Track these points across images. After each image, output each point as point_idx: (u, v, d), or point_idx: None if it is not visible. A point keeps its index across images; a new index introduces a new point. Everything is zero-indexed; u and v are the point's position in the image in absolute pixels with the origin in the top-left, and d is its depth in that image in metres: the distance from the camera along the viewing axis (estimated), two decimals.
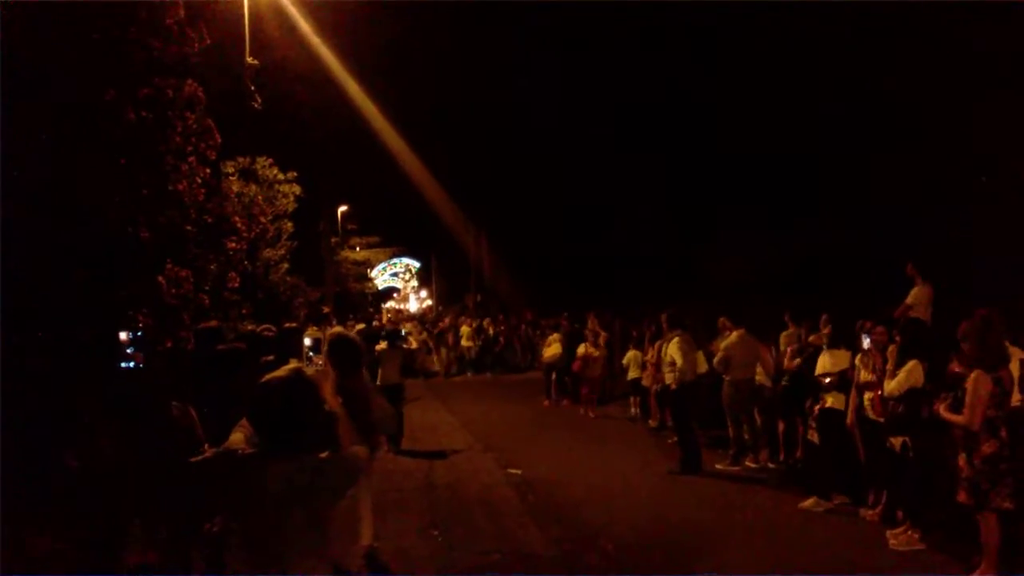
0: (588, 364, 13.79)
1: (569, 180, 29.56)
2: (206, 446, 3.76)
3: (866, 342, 6.95)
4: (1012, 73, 14.02)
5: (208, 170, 7.52)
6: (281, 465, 2.65)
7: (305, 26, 16.08)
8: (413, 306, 50.05)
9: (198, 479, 3.68)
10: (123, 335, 3.50)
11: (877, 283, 12.40)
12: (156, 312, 6.28)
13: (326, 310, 21.63)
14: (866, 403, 6.87)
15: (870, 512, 6.87)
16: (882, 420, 6.60)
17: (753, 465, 9.16)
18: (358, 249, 35.94)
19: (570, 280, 27.76)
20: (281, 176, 16.16)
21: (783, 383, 9.08)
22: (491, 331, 22.25)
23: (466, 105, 32.86)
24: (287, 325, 7.68)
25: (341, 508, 2.92)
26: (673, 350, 9.35)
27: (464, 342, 21.83)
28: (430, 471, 9.50)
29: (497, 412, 14.43)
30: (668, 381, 9.63)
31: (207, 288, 7.56)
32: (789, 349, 8.98)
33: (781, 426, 9.17)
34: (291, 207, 16.46)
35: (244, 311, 11.44)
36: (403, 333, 14.50)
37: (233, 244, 8.22)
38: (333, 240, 29.76)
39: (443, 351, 22.10)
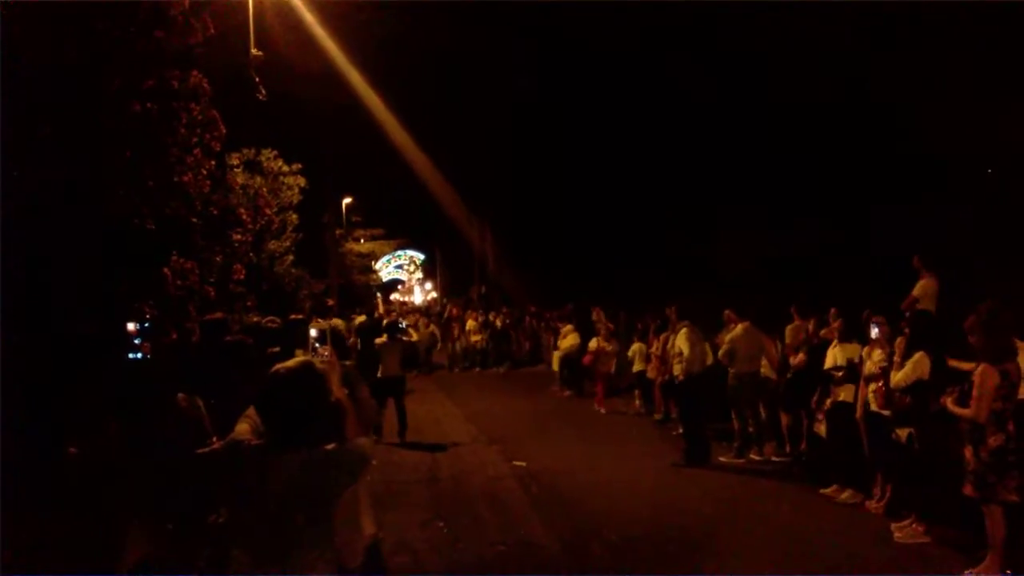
0: (600, 359, 13.60)
1: (573, 172, 29.51)
2: (214, 438, 3.77)
3: (874, 331, 6.94)
4: (1016, 64, 13.96)
5: (213, 162, 7.52)
6: (288, 456, 2.65)
7: (309, 17, 16.02)
8: (418, 298, 50.04)
9: (205, 471, 3.69)
10: (131, 326, 3.51)
11: (882, 276, 12.38)
12: (162, 304, 6.29)
13: (330, 303, 21.64)
14: (870, 395, 6.86)
15: (875, 505, 6.87)
16: (886, 412, 6.59)
17: (757, 458, 9.15)
18: (362, 241, 35.96)
19: (574, 272, 27.74)
20: (286, 168, 16.16)
21: (787, 376, 9.09)
22: (499, 324, 21.82)
23: (470, 96, 32.80)
24: (293, 316, 7.68)
25: (344, 500, 2.92)
26: (681, 341, 9.36)
27: (471, 336, 21.39)
28: (434, 463, 9.52)
29: (502, 405, 14.44)
30: (677, 372, 9.63)
31: (212, 280, 7.56)
32: (797, 348, 8.91)
33: (785, 419, 9.17)
34: (296, 199, 16.46)
35: (249, 303, 11.46)
36: (403, 326, 14.47)
37: (238, 236, 8.23)
38: (337, 232, 29.76)
39: (449, 345, 21.68)
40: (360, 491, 3.94)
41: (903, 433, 6.31)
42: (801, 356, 8.70)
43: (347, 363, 6.12)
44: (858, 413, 7.06)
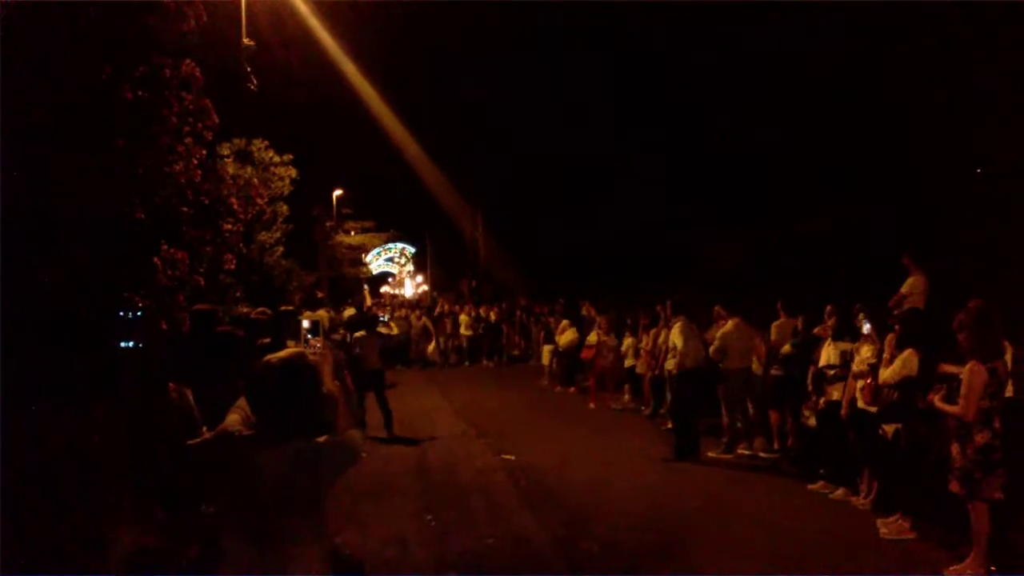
0: (601, 352, 13.42)
1: (565, 168, 29.60)
2: (204, 429, 3.76)
3: (866, 327, 6.97)
4: (1008, 65, 14.05)
5: (204, 151, 7.48)
6: (279, 448, 2.65)
7: (302, 7, 15.94)
8: (409, 291, 49.97)
9: (196, 461, 3.68)
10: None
11: (869, 273, 12.45)
12: (152, 293, 6.26)
13: (320, 295, 21.57)
14: (858, 392, 6.90)
15: (861, 501, 6.92)
16: (873, 409, 6.63)
17: (746, 453, 9.20)
18: (353, 234, 35.83)
19: (564, 267, 27.82)
20: (277, 159, 16.08)
21: (773, 372, 9.13)
22: (492, 318, 21.56)
23: (461, 89, 32.78)
24: (283, 308, 7.67)
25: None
26: (675, 335, 9.40)
27: (463, 331, 21.16)
28: (423, 457, 9.53)
29: (491, 399, 14.46)
30: (670, 367, 9.66)
31: (202, 270, 7.52)
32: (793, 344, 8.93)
33: (774, 415, 9.21)
34: (286, 190, 16.39)
35: (238, 294, 11.41)
36: (384, 319, 14.35)
37: (229, 226, 8.19)
38: (328, 224, 29.65)
39: (440, 339, 21.27)
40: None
41: (890, 429, 6.36)
42: (787, 348, 8.74)
43: (339, 353, 6.11)
44: (843, 409, 7.11)
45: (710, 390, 9.64)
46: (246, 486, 2.65)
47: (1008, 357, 5.70)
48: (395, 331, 18.60)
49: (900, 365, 6.17)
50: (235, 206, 8.40)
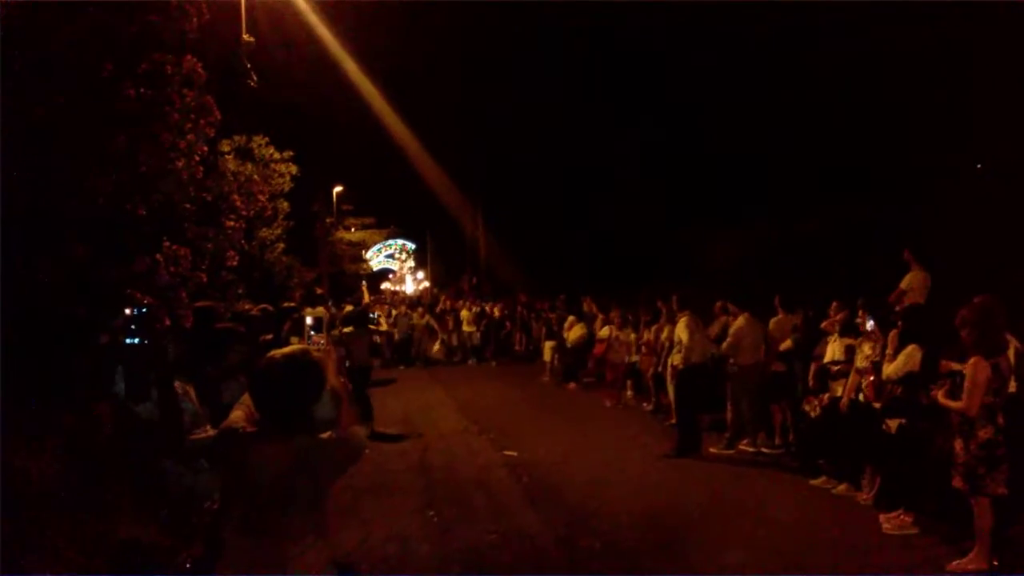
0: (614, 348, 13.10)
1: (565, 166, 29.61)
2: (207, 426, 3.76)
3: (870, 324, 6.97)
4: (1008, 62, 14.04)
5: (206, 148, 7.47)
6: (281, 444, 2.65)
7: (302, 3, 15.92)
8: (410, 287, 49.93)
9: (200, 456, 3.68)
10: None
11: (869, 271, 12.45)
12: (154, 290, 6.26)
13: (320, 291, 21.55)
14: (862, 388, 6.90)
15: (864, 496, 6.92)
16: (877, 405, 6.63)
17: (751, 450, 9.19)
18: (353, 230, 35.83)
19: (564, 264, 27.82)
20: (277, 155, 16.06)
21: (774, 367, 9.13)
22: (496, 315, 21.17)
23: (461, 86, 32.76)
24: (285, 304, 7.68)
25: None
26: (681, 330, 9.38)
27: (465, 327, 20.80)
28: (425, 453, 9.54)
29: (493, 395, 14.47)
30: (676, 362, 9.65)
31: (204, 267, 7.53)
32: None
33: (775, 410, 9.21)
34: (287, 186, 16.37)
35: (240, 290, 11.41)
36: (374, 316, 14.26)
37: (232, 222, 8.19)
38: (328, 220, 29.64)
39: (444, 336, 20.84)
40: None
41: (893, 425, 6.36)
42: (788, 343, 8.73)
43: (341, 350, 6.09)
44: (844, 400, 7.10)
45: (714, 386, 9.63)
46: (248, 482, 2.65)
47: (1011, 352, 5.69)
48: (384, 328, 18.50)
49: (903, 361, 6.18)
50: (237, 203, 8.40)
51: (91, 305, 5.82)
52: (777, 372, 9.09)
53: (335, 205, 32.98)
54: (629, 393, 13.26)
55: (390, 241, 48.70)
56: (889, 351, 6.39)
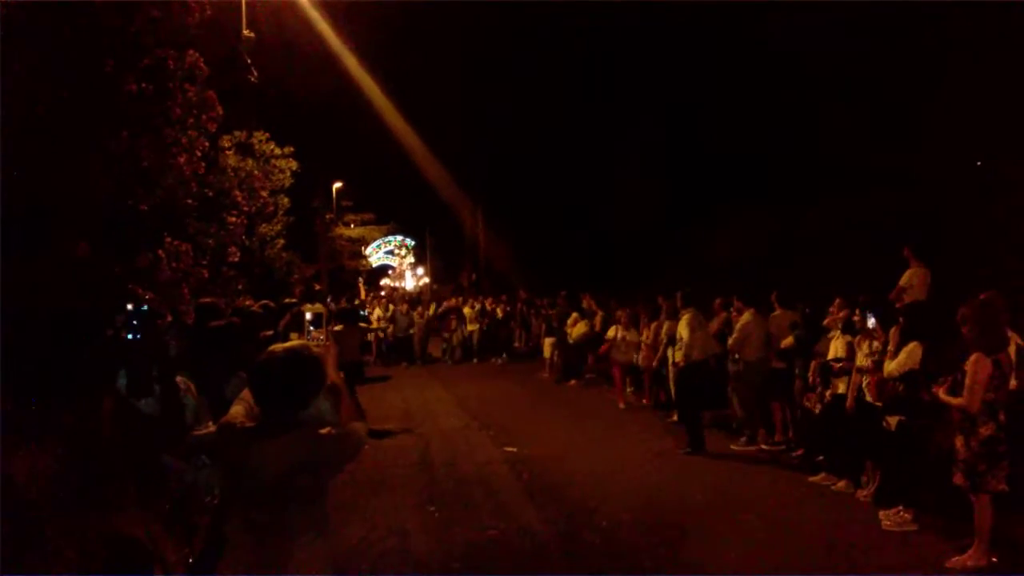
0: (620, 347, 12.81)
1: (565, 163, 29.58)
2: (208, 421, 3.77)
3: (870, 321, 6.96)
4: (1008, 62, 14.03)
5: (207, 143, 7.47)
6: (281, 439, 2.65)
7: None
8: (409, 284, 49.92)
9: (201, 452, 3.69)
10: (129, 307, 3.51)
11: (868, 269, 12.42)
12: (156, 286, 6.26)
13: (318, 287, 21.54)
14: (864, 386, 6.90)
15: (864, 492, 6.93)
16: (878, 403, 6.63)
17: (750, 446, 9.19)
18: (352, 226, 35.79)
19: (563, 260, 27.81)
20: (278, 151, 16.07)
21: (774, 364, 9.12)
22: (499, 313, 20.86)
23: (462, 82, 32.71)
24: (286, 300, 7.69)
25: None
26: (682, 326, 9.38)
27: (468, 325, 20.36)
28: (426, 449, 9.54)
29: (493, 391, 14.48)
30: (677, 358, 9.64)
31: (205, 262, 7.53)
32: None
33: (775, 407, 9.21)
34: (287, 182, 16.38)
35: (240, 286, 11.42)
36: (363, 313, 14.17)
37: (233, 218, 8.18)
38: (328, 216, 29.61)
39: (446, 335, 20.59)
40: None
41: (893, 421, 6.36)
42: (788, 340, 8.73)
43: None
44: (849, 402, 7.10)
45: (715, 382, 9.62)
46: (248, 478, 2.66)
47: (1012, 349, 5.69)
48: (375, 325, 18.41)
49: (905, 358, 6.18)
50: (239, 198, 8.41)
51: (93, 302, 5.82)
52: (777, 369, 9.08)
53: (335, 201, 32.95)
54: (629, 390, 13.27)
55: (390, 237, 48.63)
56: (891, 348, 6.39)
